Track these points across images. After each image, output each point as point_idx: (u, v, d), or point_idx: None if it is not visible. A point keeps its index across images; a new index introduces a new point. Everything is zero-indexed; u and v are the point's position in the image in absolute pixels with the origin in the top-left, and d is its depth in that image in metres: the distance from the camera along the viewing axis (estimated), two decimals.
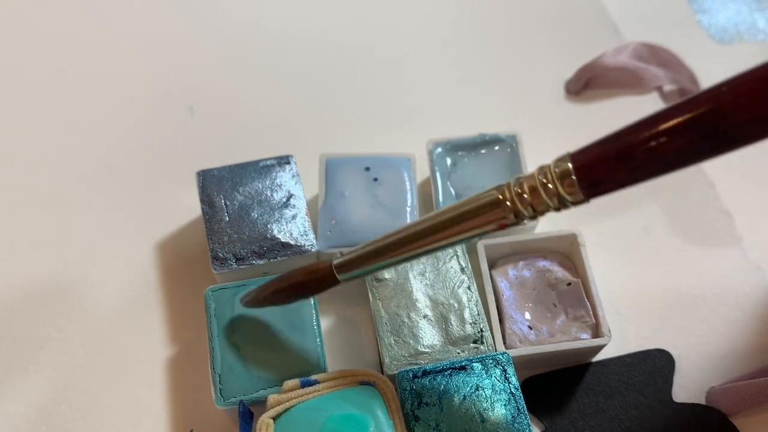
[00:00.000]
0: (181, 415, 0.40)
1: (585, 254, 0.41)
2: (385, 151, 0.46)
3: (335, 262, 0.36)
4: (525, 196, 0.30)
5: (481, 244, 0.42)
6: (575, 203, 0.30)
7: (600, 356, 0.41)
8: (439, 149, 0.46)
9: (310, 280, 0.36)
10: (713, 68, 0.55)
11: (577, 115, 0.51)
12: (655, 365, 0.41)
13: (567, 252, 0.43)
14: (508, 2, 0.58)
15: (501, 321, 0.40)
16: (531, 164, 0.46)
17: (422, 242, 0.33)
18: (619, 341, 0.42)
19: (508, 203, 0.31)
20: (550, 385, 0.41)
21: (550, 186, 0.30)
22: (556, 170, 0.30)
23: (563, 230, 0.43)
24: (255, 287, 0.39)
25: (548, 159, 0.48)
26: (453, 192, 0.45)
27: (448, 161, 0.46)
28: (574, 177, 0.29)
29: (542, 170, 0.30)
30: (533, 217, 0.31)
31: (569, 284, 0.41)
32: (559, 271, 0.42)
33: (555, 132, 0.50)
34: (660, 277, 0.44)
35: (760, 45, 0.57)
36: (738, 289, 0.43)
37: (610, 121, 0.51)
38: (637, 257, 0.45)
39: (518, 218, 0.31)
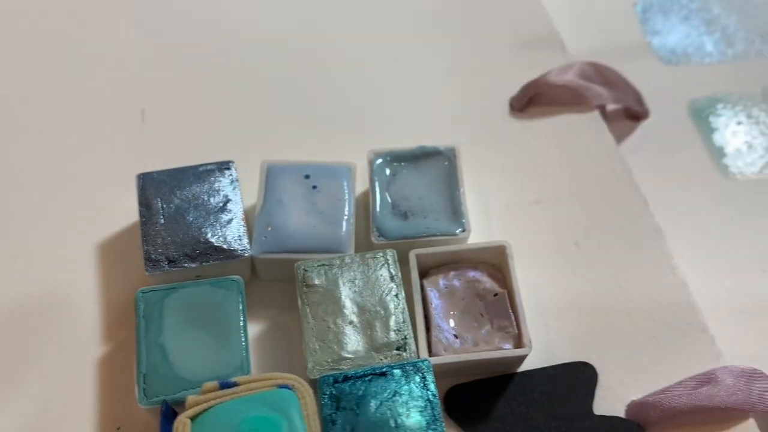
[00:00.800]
0: (109, 412, 0.40)
1: (513, 266, 0.42)
2: (330, 160, 0.47)
3: None
4: None
5: (413, 254, 0.43)
6: None
7: (525, 367, 0.42)
8: (380, 160, 0.47)
9: None
10: (660, 89, 0.56)
11: (520, 130, 0.52)
12: (578, 378, 0.42)
13: (497, 263, 0.43)
14: (457, 18, 0.59)
15: (428, 329, 0.41)
16: (468, 178, 0.47)
17: None
18: (545, 353, 0.43)
19: None
20: (474, 394, 0.41)
21: None
22: None
23: (493, 241, 0.43)
24: None
25: (487, 173, 0.50)
26: (390, 201, 0.46)
27: (387, 171, 0.47)
28: None
29: None
30: None
31: (496, 295, 0.42)
32: (487, 282, 0.43)
33: (497, 146, 0.51)
34: (589, 291, 0.45)
35: (707, 67, 0.58)
36: (664, 305, 0.44)
37: (551, 137, 0.52)
38: (567, 271, 0.46)
39: None
